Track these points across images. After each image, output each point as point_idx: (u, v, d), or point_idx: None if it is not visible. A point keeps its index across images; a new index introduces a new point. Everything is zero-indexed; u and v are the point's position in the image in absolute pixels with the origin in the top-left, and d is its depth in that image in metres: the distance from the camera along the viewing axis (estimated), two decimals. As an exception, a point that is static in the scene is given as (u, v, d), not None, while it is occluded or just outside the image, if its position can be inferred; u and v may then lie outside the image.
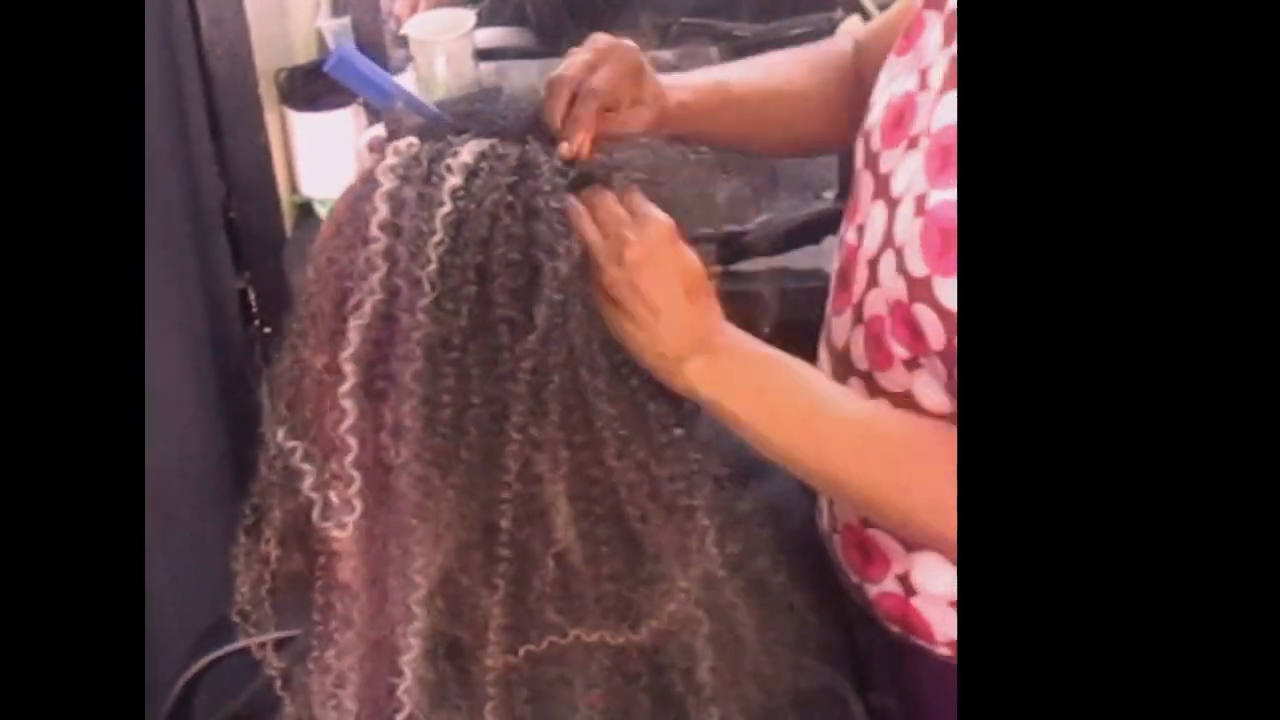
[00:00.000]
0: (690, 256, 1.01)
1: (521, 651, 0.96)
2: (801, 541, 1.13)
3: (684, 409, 1.01)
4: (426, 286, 0.92)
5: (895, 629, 1.24)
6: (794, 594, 1.04)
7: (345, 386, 0.93)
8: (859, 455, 1.05)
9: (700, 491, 0.98)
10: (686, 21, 2.02)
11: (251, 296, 1.82)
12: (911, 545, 1.18)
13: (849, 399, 1.13)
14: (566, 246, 0.94)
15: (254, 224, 1.78)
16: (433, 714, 0.97)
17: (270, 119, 1.77)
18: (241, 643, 1.11)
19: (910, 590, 1.21)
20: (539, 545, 0.95)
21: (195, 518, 1.65)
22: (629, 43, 1.10)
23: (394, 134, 0.99)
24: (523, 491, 0.93)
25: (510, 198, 0.94)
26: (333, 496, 0.95)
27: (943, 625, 1.20)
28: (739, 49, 2.00)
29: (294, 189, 1.86)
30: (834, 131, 1.32)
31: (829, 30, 1.93)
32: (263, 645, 1.04)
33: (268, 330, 1.82)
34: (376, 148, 1.00)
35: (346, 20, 1.94)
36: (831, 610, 1.16)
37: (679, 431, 0.98)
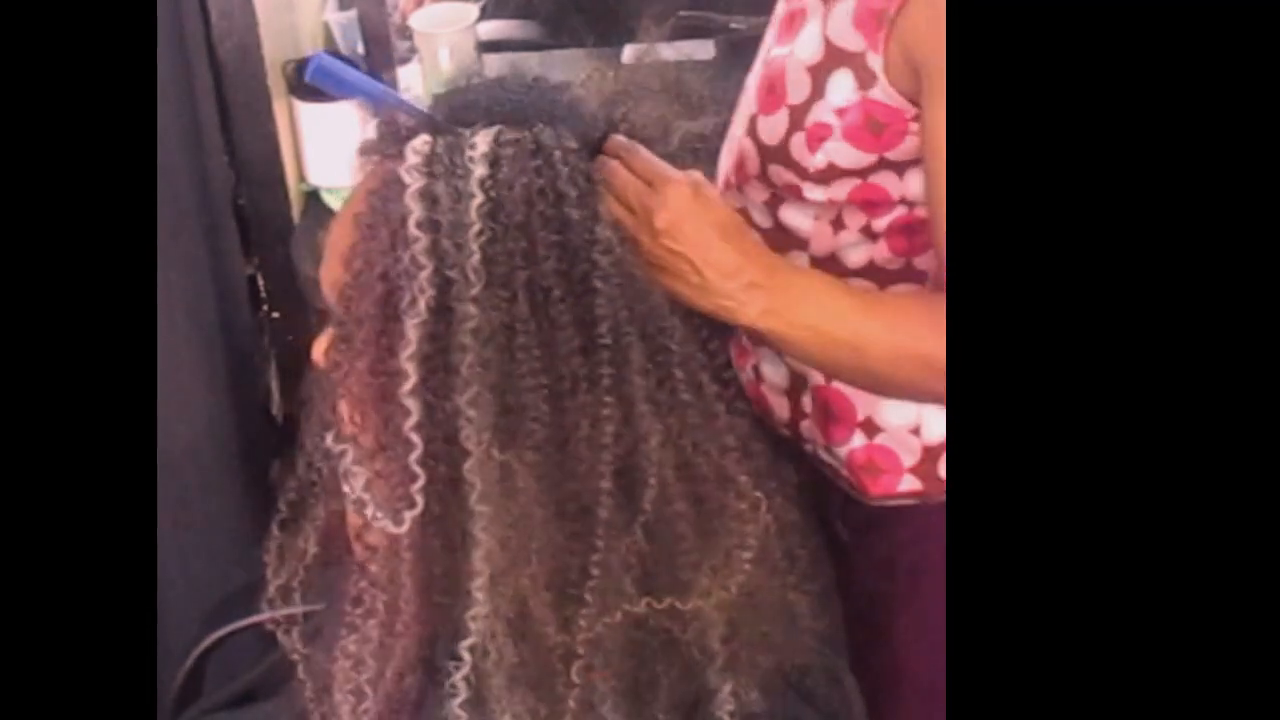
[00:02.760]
0: (719, 204, 1.04)
1: (587, 634, 0.95)
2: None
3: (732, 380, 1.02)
4: (473, 277, 0.92)
5: (866, 484, 1.29)
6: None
7: (408, 385, 0.92)
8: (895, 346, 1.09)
9: (754, 459, 0.99)
10: (685, 14, 2.02)
11: (260, 282, 1.83)
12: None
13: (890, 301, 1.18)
14: (602, 228, 0.95)
15: (262, 211, 1.79)
16: (493, 698, 0.96)
17: (278, 109, 1.78)
18: (252, 619, 1.11)
19: (875, 430, 1.26)
20: (623, 517, 0.94)
21: (205, 496, 1.66)
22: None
23: (386, 135, 0.99)
24: (612, 463, 0.93)
25: (540, 181, 0.94)
26: (386, 495, 0.95)
27: (907, 454, 1.27)
28: (735, 42, 2.00)
29: (301, 177, 1.86)
30: None
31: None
32: (275, 621, 1.04)
33: (276, 315, 1.83)
34: (368, 150, 0.99)
35: (353, 13, 1.94)
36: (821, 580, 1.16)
37: (738, 404, 1.00)
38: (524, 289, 0.92)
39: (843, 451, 1.28)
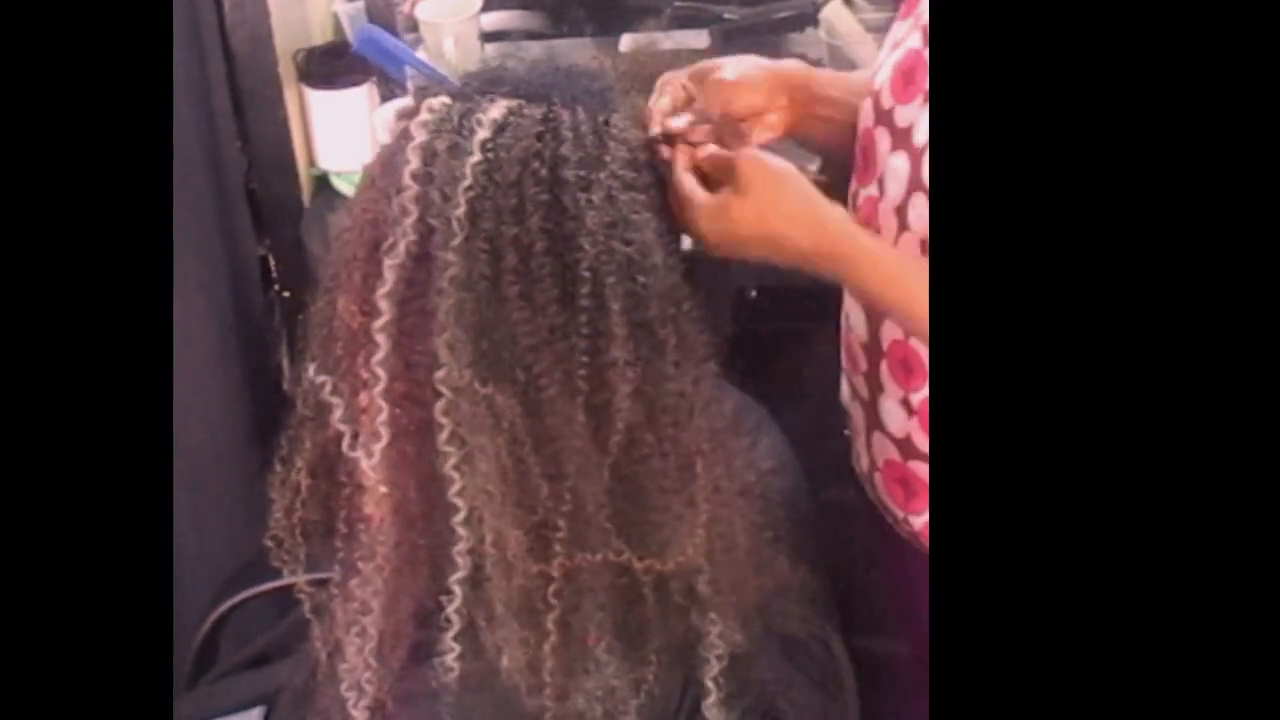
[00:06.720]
0: (788, 183, 1.04)
1: (563, 562, 0.96)
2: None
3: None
4: (456, 227, 0.93)
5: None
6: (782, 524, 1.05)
7: (380, 322, 0.94)
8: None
9: (724, 412, 1.00)
10: (680, 4, 2.02)
11: (272, 263, 1.83)
12: None
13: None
14: (598, 191, 0.95)
15: (274, 195, 1.79)
16: (480, 631, 0.97)
17: (289, 96, 1.78)
18: (264, 586, 1.12)
19: None
20: (595, 460, 0.95)
21: (218, 471, 1.66)
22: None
23: (418, 100, 1.00)
24: (584, 408, 0.94)
25: (539, 145, 0.95)
26: (361, 427, 0.96)
27: None
28: (728, 32, 1.99)
29: (311, 162, 1.86)
30: None
31: (813, 14, 1.92)
32: (286, 587, 1.04)
33: (287, 294, 1.83)
34: (405, 115, 1.00)
35: (360, 3, 1.94)
36: (818, 560, 1.16)
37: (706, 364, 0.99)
38: (511, 243, 0.93)
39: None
